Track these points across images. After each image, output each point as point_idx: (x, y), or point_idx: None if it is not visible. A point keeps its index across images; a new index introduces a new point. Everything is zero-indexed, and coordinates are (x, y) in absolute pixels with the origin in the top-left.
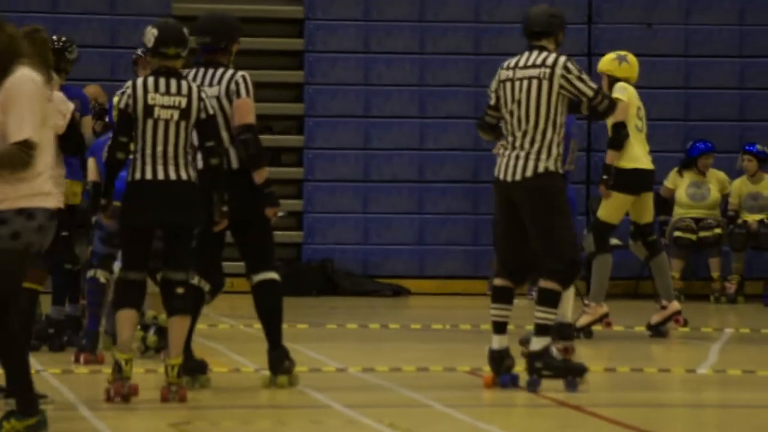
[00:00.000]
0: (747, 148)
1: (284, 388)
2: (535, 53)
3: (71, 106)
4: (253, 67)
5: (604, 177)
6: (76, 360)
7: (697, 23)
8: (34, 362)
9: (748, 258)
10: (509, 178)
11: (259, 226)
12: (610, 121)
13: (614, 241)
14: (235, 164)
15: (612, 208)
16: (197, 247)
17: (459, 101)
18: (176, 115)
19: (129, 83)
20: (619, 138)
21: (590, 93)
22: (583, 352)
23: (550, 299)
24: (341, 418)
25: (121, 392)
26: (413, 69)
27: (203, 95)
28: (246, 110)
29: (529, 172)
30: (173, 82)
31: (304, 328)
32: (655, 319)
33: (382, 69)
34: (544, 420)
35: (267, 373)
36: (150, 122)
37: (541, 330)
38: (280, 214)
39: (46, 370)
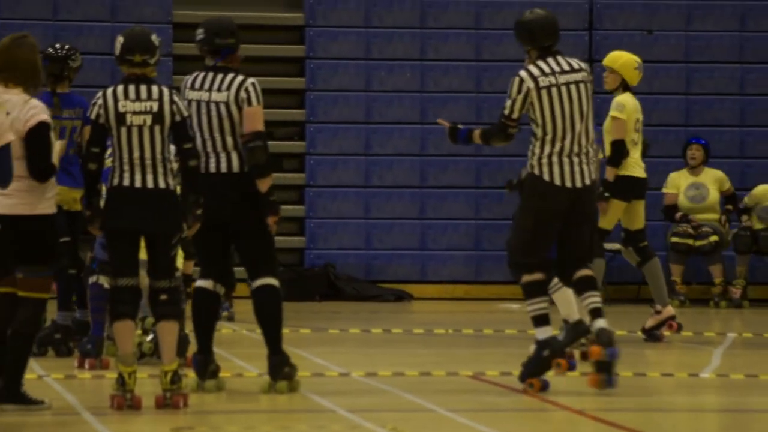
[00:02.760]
0: None
1: (284, 393)
2: (559, 58)
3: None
4: (254, 73)
5: (605, 194)
6: (80, 365)
7: (697, 30)
8: (38, 368)
9: (751, 262)
10: (578, 184)
11: (259, 232)
12: (608, 138)
13: (616, 245)
14: (236, 168)
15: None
16: (209, 252)
17: (460, 107)
18: (149, 120)
19: (100, 93)
20: (620, 156)
21: None
22: None
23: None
24: (344, 422)
25: (124, 405)
26: (414, 75)
27: (176, 98)
28: (256, 118)
29: (591, 177)
30: (143, 88)
31: (307, 333)
32: (650, 323)
33: (383, 75)
34: (546, 424)
35: (267, 378)
36: (123, 130)
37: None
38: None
39: (50, 376)
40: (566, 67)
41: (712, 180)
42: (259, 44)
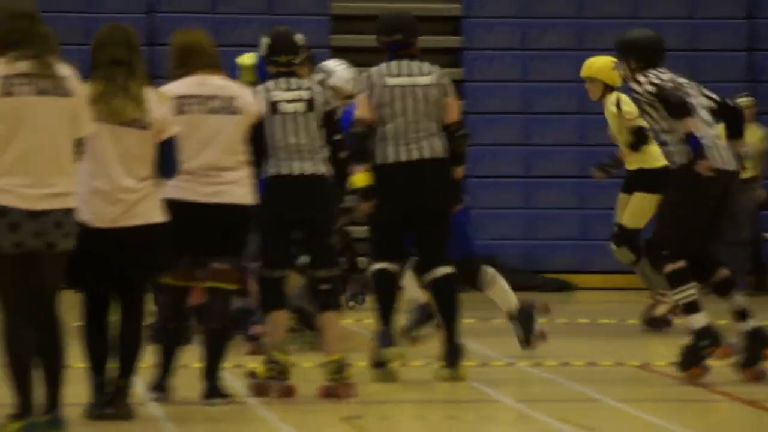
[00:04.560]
0: None
1: (461, 381)
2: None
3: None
4: None
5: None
6: (253, 351)
7: None
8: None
9: None
10: (730, 168)
11: (447, 220)
12: (631, 126)
13: None
14: (439, 153)
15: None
16: (398, 239)
17: None
18: (301, 107)
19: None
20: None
21: None
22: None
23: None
24: (512, 412)
25: (278, 394)
26: (571, 65)
27: (321, 89)
28: (456, 107)
29: (735, 161)
30: (293, 80)
31: (471, 323)
32: None
33: (540, 65)
34: (715, 415)
35: (438, 365)
36: (277, 118)
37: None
38: None
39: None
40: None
41: None
42: None
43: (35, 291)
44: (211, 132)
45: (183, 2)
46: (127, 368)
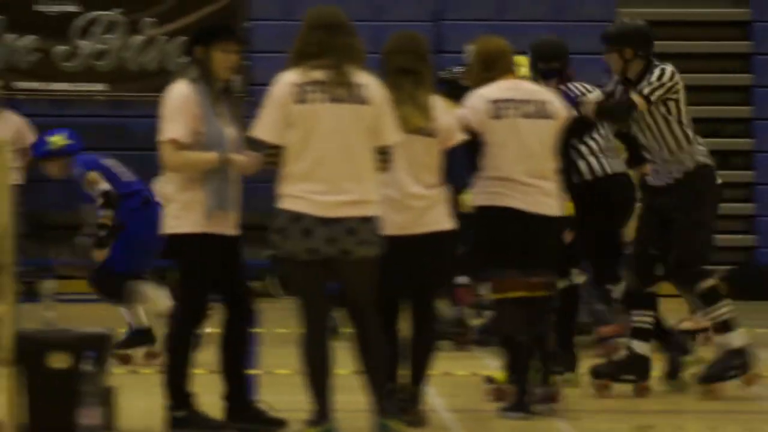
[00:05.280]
0: None
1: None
2: None
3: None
4: (698, 70)
5: None
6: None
7: None
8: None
9: None
10: None
11: None
12: None
13: None
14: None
15: None
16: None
17: None
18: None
19: None
20: None
21: None
22: None
23: None
24: None
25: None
26: None
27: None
28: None
29: None
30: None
31: (764, 333)
32: None
33: None
34: None
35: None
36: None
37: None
38: None
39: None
40: None
41: None
42: (703, 41)
43: (348, 300)
44: (527, 137)
45: (470, 10)
46: (419, 375)
